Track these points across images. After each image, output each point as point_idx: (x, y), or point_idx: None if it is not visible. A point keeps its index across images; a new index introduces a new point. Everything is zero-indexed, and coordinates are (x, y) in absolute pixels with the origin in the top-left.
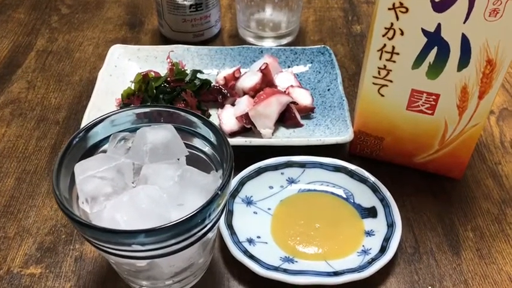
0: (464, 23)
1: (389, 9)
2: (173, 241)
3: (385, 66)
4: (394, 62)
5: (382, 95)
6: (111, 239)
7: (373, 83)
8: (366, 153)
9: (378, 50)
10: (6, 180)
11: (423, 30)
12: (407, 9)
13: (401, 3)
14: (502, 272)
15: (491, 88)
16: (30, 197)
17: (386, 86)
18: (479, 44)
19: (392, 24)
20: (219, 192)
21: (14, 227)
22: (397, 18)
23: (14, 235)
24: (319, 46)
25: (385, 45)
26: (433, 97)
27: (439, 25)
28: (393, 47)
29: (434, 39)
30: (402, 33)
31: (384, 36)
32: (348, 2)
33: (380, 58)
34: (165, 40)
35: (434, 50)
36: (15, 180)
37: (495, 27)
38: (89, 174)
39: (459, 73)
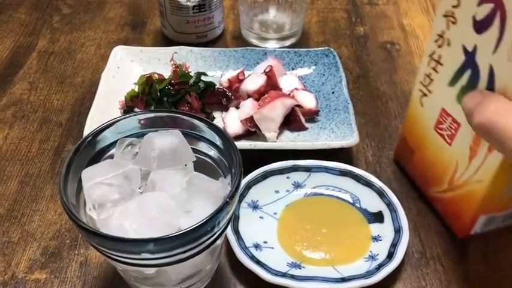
0: (493, 53)
1: (443, 16)
2: (182, 249)
3: (429, 74)
4: (436, 72)
5: (422, 105)
6: (120, 247)
7: (419, 89)
8: (402, 161)
9: (429, 55)
10: (9, 184)
11: (463, 48)
12: (455, 21)
13: (452, 13)
14: (509, 278)
15: None
16: (34, 201)
17: (426, 96)
18: (501, 85)
19: (443, 32)
20: (229, 200)
21: (18, 231)
22: (448, 27)
23: (18, 240)
24: (323, 48)
25: (434, 52)
26: (455, 125)
27: (475, 47)
28: (439, 56)
29: (470, 60)
30: (449, 44)
31: (435, 42)
32: (351, 3)
33: (428, 64)
34: (168, 41)
35: (468, 73)
36: (18, 183)
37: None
38: (96, 181)
39: None
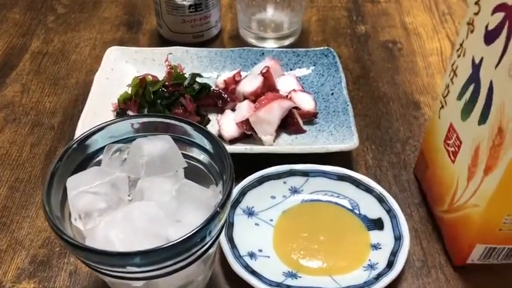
0: (495, 67)
1: (466, 23)
2: (171, 261)
3: (448, 85)
4: (452, 83)
5: (439, 117)
6: (105, 261)
7: (439, 100)
8: (419, 175)
9: (451, 65)
10: None
11: (473, 59)
12: (473, 29)
13: (472, 21)
14: None
15: (496, 168)
16: (24, 207)
17: (443, 108)
18: (498, 102)
19: (463, 41)
20: (219, 210)
21: (7, 239)
22: (467, 36)
23: (7, 247)
24: (322, 48)
25: (454, 61)
26: (458, 143)
27: (481, 59)
28: (457, 67)
29: (475, 74)
30: (464, 55)
31: (457, 51)
32: (352, 1)
33: (449, 74)
34: (164, 41)
35: (471, 88)
36: (8, 189)
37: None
38: (81, 189)
39: (478, 128)
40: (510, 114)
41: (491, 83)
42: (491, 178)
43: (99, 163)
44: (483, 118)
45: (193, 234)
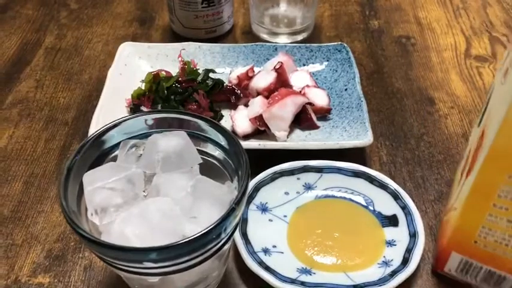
0: (499, 70)
1: None
2: (187, 257)
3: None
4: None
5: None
6: (121, 256)
7: None
8: None
9: None
10: (14, 184)
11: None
12: None
13: None
14: None
15: (473, 170)
16: (39, 202)
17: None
18: (490, 103)
19: None
20: (235, 206)
21: (22, 233)
22: None
23: (22, 242)
24: (335, 43)
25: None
26: (467, 145)
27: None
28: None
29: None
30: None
31: None
32: None
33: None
34: (176, 37)
35: (490, 91)
36: (23, 184)
37: (501, 93)
38: (98, 185)
39: (476, 131)
40: (492, 117)
41: (493, 87)
42: (469, 181)
43: (114, 159)
44: (480, 121)
45: (209, 230)
